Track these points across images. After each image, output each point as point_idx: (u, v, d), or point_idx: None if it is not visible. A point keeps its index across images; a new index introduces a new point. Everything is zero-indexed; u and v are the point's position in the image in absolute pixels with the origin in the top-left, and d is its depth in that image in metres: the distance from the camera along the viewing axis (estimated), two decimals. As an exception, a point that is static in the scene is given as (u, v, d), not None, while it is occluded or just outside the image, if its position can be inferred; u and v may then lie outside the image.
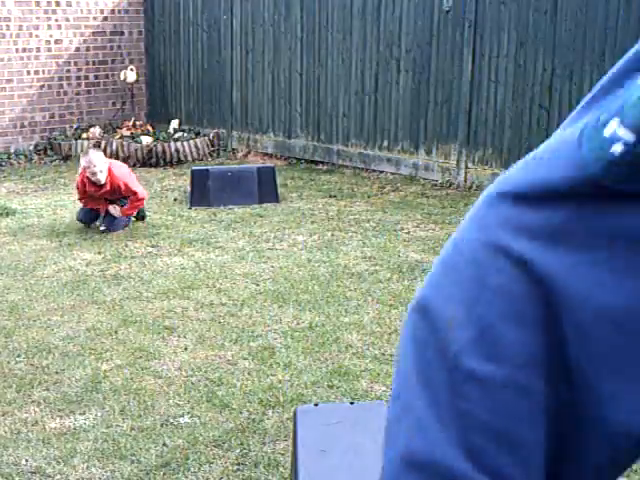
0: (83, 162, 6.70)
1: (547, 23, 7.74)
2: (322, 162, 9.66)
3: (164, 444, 3.56)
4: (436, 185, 8.56)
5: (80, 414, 3.83)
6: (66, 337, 4.71)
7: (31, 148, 10.29)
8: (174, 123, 10.62)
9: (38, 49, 10.19)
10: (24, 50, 10.08)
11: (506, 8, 7.96)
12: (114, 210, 6.84)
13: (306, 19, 9.55)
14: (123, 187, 6.72)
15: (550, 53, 7.75)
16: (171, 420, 3.77)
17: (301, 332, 4.76)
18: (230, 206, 7.72)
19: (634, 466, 3.35)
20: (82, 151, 8.15)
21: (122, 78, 10.60)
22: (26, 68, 10.13)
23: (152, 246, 6.52)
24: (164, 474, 3.34)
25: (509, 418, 0.71)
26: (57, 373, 4.26)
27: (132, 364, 4.35)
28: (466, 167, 8.43)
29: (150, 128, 10.57)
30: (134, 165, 9.78)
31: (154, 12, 10.99)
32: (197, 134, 10.40)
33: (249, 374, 4.23)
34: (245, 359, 4.41)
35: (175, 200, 8.00)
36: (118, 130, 10.58)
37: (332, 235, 6.80)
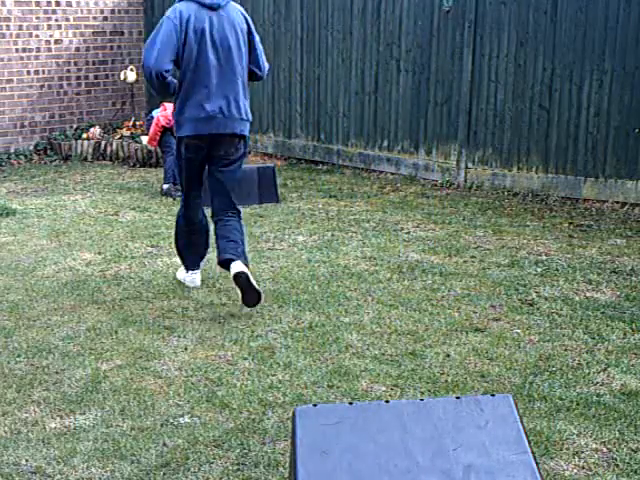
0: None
1: (547, 23, 7.74)
2: (322, 162, 9.66)
3: (164, 444, 3.56)
4: (436, 185, 8.56)
5: (80, 414, 3.83)
6: (66, 337, 4.71)
7: (31, 148, 10.29)
8: (174, 123, 10.61)
9: (38, 49, 10.20)
10: (24, 50, 10.09)
11: (506, 8, 7.97)
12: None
13: (306, 19, 9.55)
14: None
15: (550, 53, 7.75)
16: (171, 420, 3.77)
17: (301, 332, 4.76)
18: (230, 206, 7.70)
19: (634, 466, 3.35)
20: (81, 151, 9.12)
21: (122, 78, 10.59)
22: (26, 68, 10.14)
23: (152, 246, 6.52)
24: (164, 474, 3.34)
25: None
26: (57, 373, 4.26)
27: (132, 364, 4.35)
28: (466, 167, 8.43)
29: (150, 128, 10.56)
30: (134, 165, 9.79)
31: (154, 12, 10.99)
32: (197, 134, 10.39)
33: (249, 374, 4.23)
34: (245, 359, 4.41)
35: (175, 200, 8.00)
36: (118, 130, 10.58)
37: (332, 235, 6.80)
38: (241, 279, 4.78)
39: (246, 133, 5.12)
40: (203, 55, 4.86)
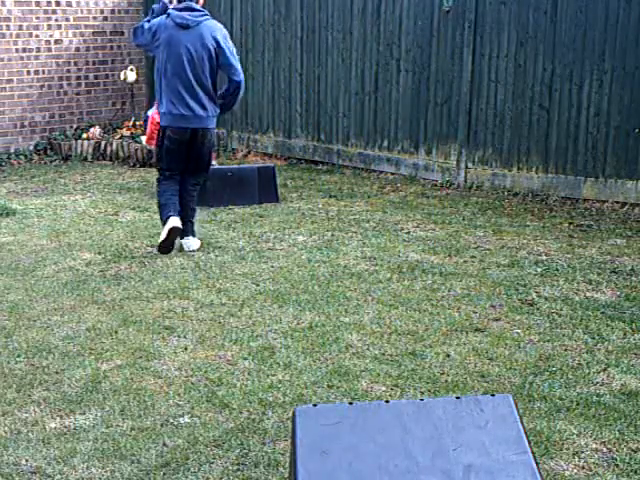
0: None
1: (547, 23, 7.74)
2: (322, 162, 9.66)
3: (164, 444, 3.56)
4: (436, 185, 8.56)
5: (80, 414, 3.83)
6: (66, 337, 4.71)
7: (31, 148, 10.29)
8: (174, 123, 10.59)
9: (38, 49, 10.20)
10: (24, 50, 10.09)
11: (506, 8, 7.97)
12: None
13: (306, 19, 9.55)
14: None
15: (550, 53, 7.75)
16: (171, 420, 3.77)
17: (301, 332, 4.76)
18: (230, 206, 7.72)
19: (634, 466, 3.35)
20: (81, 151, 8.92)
21: (122, 78, 10.59)
22: (26, 68, 10.13)
23: (152, 246, 6.52)
24: (164, 474, 3.34)
25: None
26: (57, 373, 4.26)
27: (132, 364, 4.35)
28: (466, 167, 8.43)
29: (150, 128, 10.55)
30: (134, 165, 9.79)
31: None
32: (197, 134, 10.39)
33: (249, 374, 4.23)
34: (245, 359, 4.41)
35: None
36: (118, 130, 10.58)
37: (332, 235, 6.80)
38: (172, 234, 6.03)
39: (212, 126, 6.29)
40: (171, 65, 6.07)
